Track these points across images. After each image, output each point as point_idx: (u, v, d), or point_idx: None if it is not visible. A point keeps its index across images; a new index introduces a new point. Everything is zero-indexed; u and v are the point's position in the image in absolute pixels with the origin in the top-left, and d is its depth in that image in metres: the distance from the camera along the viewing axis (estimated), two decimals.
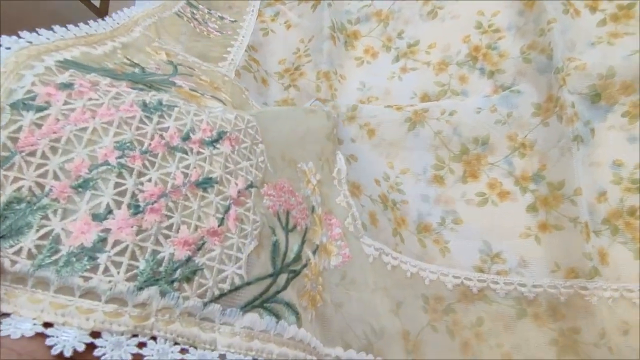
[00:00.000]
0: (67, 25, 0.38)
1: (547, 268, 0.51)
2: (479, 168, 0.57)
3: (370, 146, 0.59)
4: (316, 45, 0.70)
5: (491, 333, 0.49)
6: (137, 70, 0.40)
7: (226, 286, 0.29)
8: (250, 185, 0.34)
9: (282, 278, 0.33)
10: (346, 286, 0.42)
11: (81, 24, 0.41)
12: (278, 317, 0.31)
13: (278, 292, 0.32)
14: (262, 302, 0.30)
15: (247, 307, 0.29)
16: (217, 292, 0.28)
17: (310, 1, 0.74)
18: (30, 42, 0.32)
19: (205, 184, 0.30)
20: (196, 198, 0.29)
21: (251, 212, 0.33)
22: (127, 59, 0.42)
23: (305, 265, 0.36)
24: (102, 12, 0.84)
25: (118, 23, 0.48)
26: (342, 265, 0.43)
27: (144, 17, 0.54)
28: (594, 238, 0.51)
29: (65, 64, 0.32)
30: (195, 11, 0.70)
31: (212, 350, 0.26)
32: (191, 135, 0.31)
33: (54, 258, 0.24)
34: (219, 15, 0.73)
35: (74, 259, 0.24)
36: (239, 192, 0.32)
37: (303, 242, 0.37)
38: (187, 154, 0.31)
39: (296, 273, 0.35)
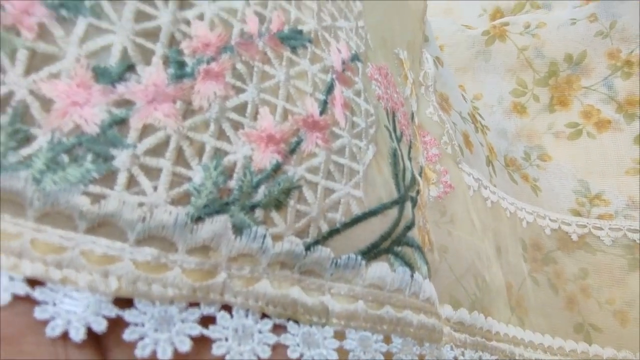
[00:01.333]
0: None
1: None
2: (570, 93, 0.46)
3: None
4: None
5: (598, 287, 0.40)
6: None
7: (340, 216, 0.16)
8: (356, 58, 0.20)
9: (409, 207, 0.19)
10: (447, 225, 0.30)
11: None
12: (412, 268, 0.18)
13: (409, 227, 0.18)
14: (391, 245, 0.17)
15: (372, 251, 0.16)
16: (325, 228, 0.15)
17: None
18: None
19: (294, 39, 0.16)
20: (282, 61, 0.16)
21: (362, 97, 0.19)
22: None
23: (418, 192, 0.23)
24: None
25: None
26: (444, 196, 0.30)
27: None
28: None
29: None
30: None
31: (323, 326, 0.14)
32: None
33: (24, 151, 0.11)
34: None
35: (65, 157, 0.12)
36: (343, 62, 0.18)
37: (410, 159, 0.23)
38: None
39: (415, 202, 0.21)
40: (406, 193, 0.19)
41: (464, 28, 0.50)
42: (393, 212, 0.17)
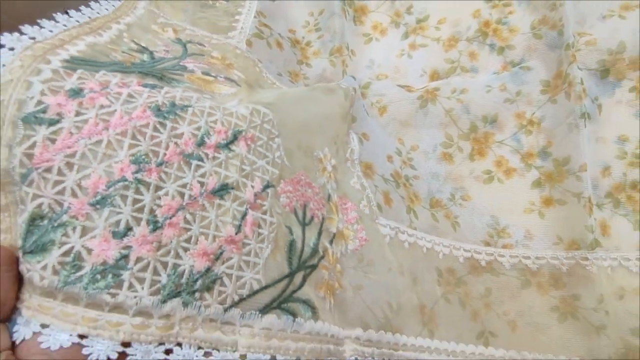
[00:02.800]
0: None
1: (550, 241, 0.50)
2: (487, 146, 0.55)
3: (382, 123, 0.57)
4: (326, 17, 0.65)
5: (498, 302, 0.49)
6: (146, 56, 0.36)
7: (245, 292, 0.28)
8: (267, 186, 0.32)
9: (299, 276, 0.32)
10: (364, 269, 0.41)
11: (83, 7, 0.36)
12: (294, 315, 0.30)
13: (294, 291, 0.31)
14: (280, 303, 0.29)
15: (266, 309, 0.29)
16: (236, 298, 0.28)
17: None
18: (34, 38, 0.29)
19: (222, 190, 0.28)
20: (213, 207, 0.28)
21: (268, 214, 0.31)
22: (135, 42, 0.38)
23: (322, 257, 0.35)
24: None
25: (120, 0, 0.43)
26: (360, 248, 0.41)
27: None
28: (597, 211, 0.50)
29: (73, 63, 0.29)
30: None
31: (234, 352, 0.26)
32: (206, 139, 0.29)
33: (78, 274, 0.23)
34: None
35: (99, 276, 0.24)
36: (255, 195, 0.30)
37: (320, 233, 0.36)
38: (202, 160, 0.29)
39: (313, 267, 0.33)
40: (299, 267, 0.30)
41: (404, 90, 0.60)
42: (283, 284, 0.29)
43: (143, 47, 0.38)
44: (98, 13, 0.37)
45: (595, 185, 0.51)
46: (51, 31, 0.31)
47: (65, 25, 0.32)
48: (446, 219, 0.53)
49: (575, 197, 0.50)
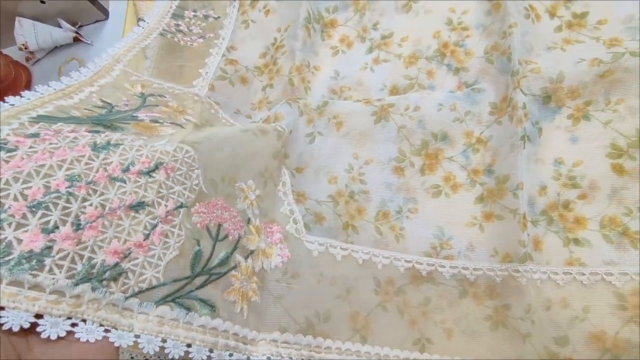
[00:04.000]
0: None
1: (487, 253, 0.53)
2: (437, 161, 0.58)
3: (339, 137, 0.60)
4: (291, 34, 0.69)
5: (436, 311, 0.52)
6: (105, 110, 0.45)
7: (144, 285, 0.36)
8: (180, 206, 0.40)
9: (200, 279, 0.39)
10: (287, 280, 0.48)
11: (63, 78, 0.47)
12: (189, 309, 0.37)
13: (192, 290, 0.38)
14: (175, 298, 0.37)
15: (161, 301, 0.36)
16: (136, 289, 0.35)
17: None
18: (13, 105, 0.39)
19: (138, 206, 0.37)
20: (128, 218, 0.36)
21: (177, 228, 0.39)
22: (102, 100, 0.48)
23: (233, 268, 0.44)
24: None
25: (100, 66, 0.53)
26: (283, 264, 0.49)
27: (126, 52, 0.58)
28: (531, 227, 0.53)
29: (37, 119, 0.38)
30: (180, 22, 0.71)
31: (130, 332, 0.33)
32: (131, 167, 0.37)
33: (6, 258, 0.30)
34: (203, 15, 0.73)
35: (24, 261, 0.30)
36: (167, 212, 0.39)
37: (235, 249, 0.44)
38: (125, 182, 0.36)
39: (220, 275, 0.42)
40: (201, 273, 0.39)
41: (361, 104, 0.62)
42: (181, 283, 0.37)
43: (107, 102, 0.48)
44: (76, 80, 0.49)
45: (532, 203, 0.54)
46: (29, 99, 0.41)
47: (42, 94, 0.43)
48: (391, 231, 0.56)
49: (511, 214, 0.53)
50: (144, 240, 0.36)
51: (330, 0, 0.73)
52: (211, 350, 0.38)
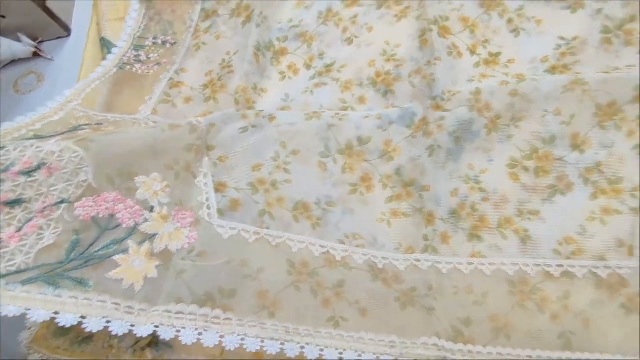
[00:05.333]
0: None
1: (392, 246, 0.57)
2: (358, 162, 0.63)
3: (270, 127, 0.64)
4: (239, 59, 0.75)
5: (350, 292, 0.53)
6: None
7: (13, 269, 0.42)
8: (62, 202, 0.46)
9: (76, 263, 0.45)
10: (192, 258, 0.50)
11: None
12: (57, 286, 0.43)
13: (65, 272, 0.44)
14: (46, 279, 0.43)
15: (27, 281, 0.42)
16: (4, 272, 0.42)
17: (240, 17, 0.79)
18: None
19: (14, 203, 0.43)
20: (3, 213, 0.44)
21: (54, 221, 0.46)
22: (35, 134, 0.53)
23: (123, 252, 0.48)
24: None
25: (50, 108, 0.60)
26: (189, 244, 0.51)
27: (80, 92, 0.66)
28: (441, 224, 0.57)
29: None
30: (140, 52, 0.77)
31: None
32: (11, 167, 0.44)
33: None
34: (162, 41, 0.79)
35: None
36: (45, 207, 0.45)
37: (130, 235, 0.49)
38: (3, 182, 0.44)
39: (102, 258, 0.47)
40: (77, 258, 0.45)
41: (297, 112, 0.68)
42: (52, 267, 0.43)
43: (38, 136, 0.54)
44: (17, 123, 0.55)
45: (444, 203, 0.59)
46: None
47: None
48: (308, 220, 0.58)
49: (417, 212, 0.58)
50: (17, 232, 0.43)
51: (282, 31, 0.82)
52: (83, 317, 0.42)
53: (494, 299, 0.51)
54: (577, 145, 0.61)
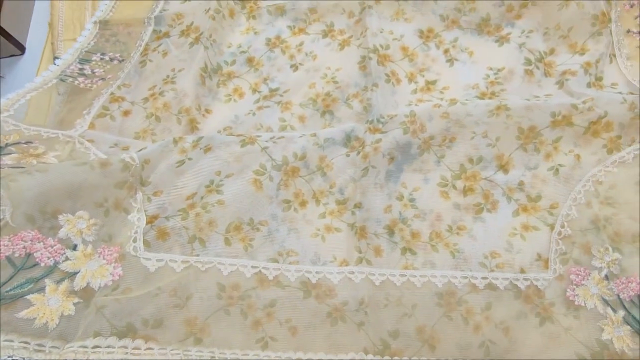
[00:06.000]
0: None
1: (327, 259, 0.58)
2: (292, 178, 0.63)
3: (205, 159, 0.63)
4: (183, 77, 0.75)
5: (281, 311, 0.53)
6: None
7: None
8: None
9: None
10: (116, 295, 0.50)
11: None
12: None
13: None
14: None
15: None
16: None
17: (189, 38, 0.79)
18: None
19: None
20: None
21: None
22: None
23: (38, 291, 0.49)
24: None
25: None
26: (113, 282, 0.52)
27: (13, 101, 0.66)
28: (374, 238, 0.59)
29: None
30: (85, 66, 0.77)
31: None
32: None
33: None
34: (110, 58, 0.79)
35: None
36: None
37: (48, 273, 0.50)
38: None
39: (13, 298, 0.48)
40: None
41: (234, 136, 0.67)
42: None
43: None
44: None
45: (378, 220, 0.60)
46: None
47: None
48: (240, 242, 0.58)
49: (349, 227, 0.60)
50: None
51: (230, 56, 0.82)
52: None
53: (422, 311, 0.53)
54: (501, 165, 0.65)
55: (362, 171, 0.64)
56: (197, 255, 0.55)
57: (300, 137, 0.66)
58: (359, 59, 0.77)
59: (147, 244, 0.55)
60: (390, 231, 0.60)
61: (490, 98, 0.71)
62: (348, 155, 0.65)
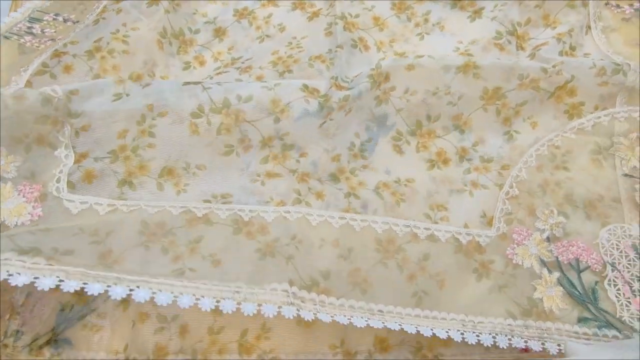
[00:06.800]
0: None
1: (263, 201, 0.55)
2: (237, 123, 0.58)
3: (142, 91, 0.59)
4: (138, 40, 0.69)
5: (206, 247, 0.50)
6: None
7: None
8: None
9: None
10: (36, 233, 0.48)
11: None
12: None
13: None
14: None
15: None
16: None
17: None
18: None
19: None
20: None
21: None
22: None
23: None
24: None
25: None
26: (30, 222, 0.49)
27: None
28: (317, 184, 0.57)
29: None
30: (35, 25, 0.71)
31: None
32: None
33: None
34: (64, 19, 0.73)
35: None
36: None
37: None
38: None
39: None
40: None
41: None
42: None
43: None
44: None
45: (324, 168, 0.59)
46: None
47: None
48: (174, 186, 0.55)
49: (291, 172, 0.58)
50: None
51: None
52: None
53: (358, 255, 0.51)
54: (458, 125, 0.63)
55: (320, 121, 0.59)
56: (125, 200, 0.52)
57: (261, 87, 0.62)
58: (325, 25, 0.74)
59: (71, 185, 0.52)
60: (336, 179, 0.58)
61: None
62: (307, 101, 0.60)
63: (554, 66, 0.63)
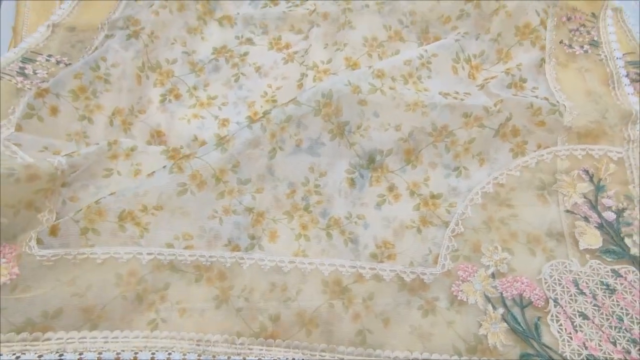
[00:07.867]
0: None
1: (221, 244, 0.58)
2: (187, 159, 0.61)
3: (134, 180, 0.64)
4: (118, 75, 0.72)
5: (174, 294, 0.54)
6: None
7: None
8: None
9: None
10: (17, 294, 0.52)
11: None
12: None
13: None
14: None
15: None
16: None
17: (127, 30, 0.77)
18: None
19: None
20: None
21: None
22: None
23: None
24: None
25: None
26: (10, 282, 0.52)
27: None
28: (271, 223, 0.61)
29: None
30: (27, 65, 0.73)
31: None
32: None
33: None
34: (56, 60, 0.76)
35: None
36: None
37: None
38: None
39: None
40: None
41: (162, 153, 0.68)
42: None
43: None
44: None
45: (278, 205, 0.62)
46: None
47: None
48: (136, 226, 0.58)
49: (247, 211, 0.60)
50: None
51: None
52: None
53: (305, 297, 0.54)
54: (410, 160, 0.66)
55: (270, 154, 0.63)
56: (92, 246, 0.55)
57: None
58: (298, 76, 0.78)
59: (40, 241, 0.55)
60: (290, 217, 0.61)
61: (414, 83, 0.71)
62: (250, 128, 0.62)
63: (495, 104, 0.66)
